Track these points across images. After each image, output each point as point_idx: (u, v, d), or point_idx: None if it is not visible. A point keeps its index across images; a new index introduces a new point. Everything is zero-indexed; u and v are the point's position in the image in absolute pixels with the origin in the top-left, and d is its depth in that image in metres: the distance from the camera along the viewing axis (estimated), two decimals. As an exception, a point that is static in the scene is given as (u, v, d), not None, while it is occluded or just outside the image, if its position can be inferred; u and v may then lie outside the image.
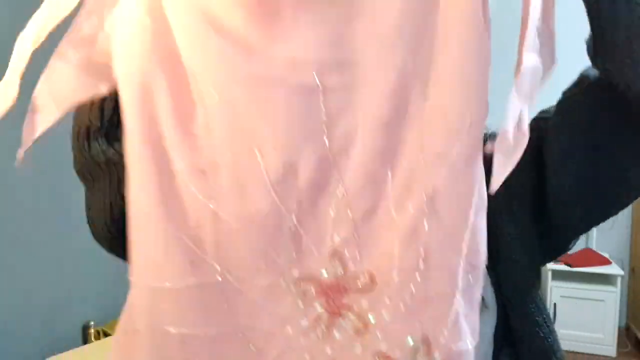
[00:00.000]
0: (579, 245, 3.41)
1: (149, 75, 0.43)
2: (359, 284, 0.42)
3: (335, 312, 0.42)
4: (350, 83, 0.42)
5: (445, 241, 0.41)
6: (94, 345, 1.98)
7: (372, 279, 0.42)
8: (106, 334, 2.15)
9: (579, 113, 0.55)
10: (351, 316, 0.42)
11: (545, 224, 0.57)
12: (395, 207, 0.42)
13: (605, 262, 3.12)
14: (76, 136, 0.59)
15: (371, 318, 0.42)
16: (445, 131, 0.43)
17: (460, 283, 0.41)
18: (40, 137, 0.61)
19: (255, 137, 0.41)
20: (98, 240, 0.68)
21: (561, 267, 3.12)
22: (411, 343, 0.41)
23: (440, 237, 0.41)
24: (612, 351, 3.02)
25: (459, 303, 0.41)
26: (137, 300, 0.46)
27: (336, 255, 0.42)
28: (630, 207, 3.38)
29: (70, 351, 1.89)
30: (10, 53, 0.56)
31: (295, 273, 0.43)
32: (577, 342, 3.07)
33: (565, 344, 2.95)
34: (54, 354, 1.86)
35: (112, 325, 2.22)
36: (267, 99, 0.42)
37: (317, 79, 0.41)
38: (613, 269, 3.05)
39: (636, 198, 0.56)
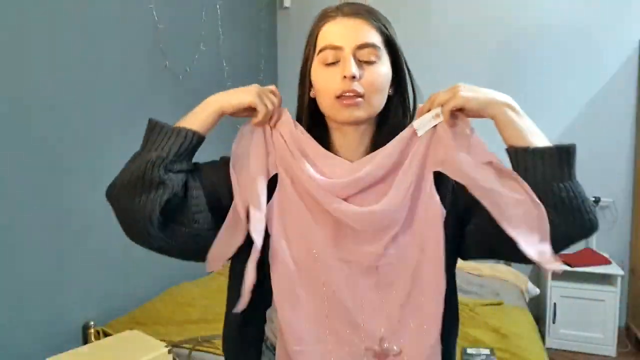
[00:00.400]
0: (579, 245, 3.41)
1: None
2: (394, 353, 0.81)
3: None
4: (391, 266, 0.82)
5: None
6: (94, 345, 1.98)
7: (401, 351, 0.81)
8: (106, 334, 2.15)
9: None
10: None
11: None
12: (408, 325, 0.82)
13: (605, 262, 3.12)
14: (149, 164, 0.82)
15: None
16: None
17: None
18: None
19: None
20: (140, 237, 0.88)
21: (561, 267, 3.12)
22: None
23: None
24: (612, 351, 3.03)
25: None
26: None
27: (383, 339, 0.81)
28: (630, 207, 3.41)
29: (70, 351, 1.89)
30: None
31: (363, 346, 0.81)
32: (577, 342, 3.07)
33: (565, 344, 2.95)
34: (54, 354, 1.86)
35: (112, 325, 2.22)
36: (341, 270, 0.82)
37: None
38: (613, 269, 3.05)
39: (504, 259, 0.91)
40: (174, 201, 0.79)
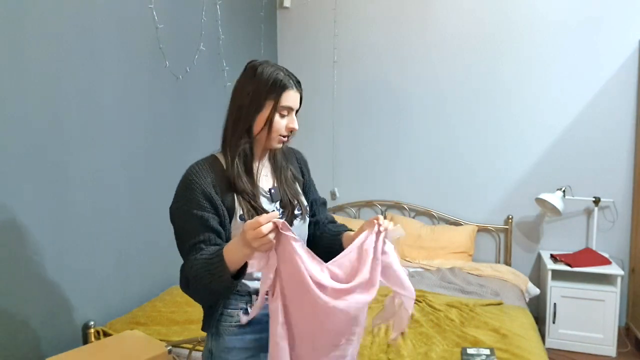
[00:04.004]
0: (579, 245, 3.43)
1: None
2: None
3: None
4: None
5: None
6: (94, 345, 1.98)
7: None
8: (106, 334, 2.15)
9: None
10: None
11: None
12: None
13: (605, 262, 3.12)
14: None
15: None
16: None
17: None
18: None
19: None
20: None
21: (561, 267, 3.13)
22: None
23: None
24: (612, 351, 3.03)
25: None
26: None
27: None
28: (630, 207, 3.41)
29: (70, 351, 1.89)
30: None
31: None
32: (577, 342, 3.07)
33: (565, 344, 2.96)
34: (54, 354, 1.86)
35: (112, 325, 2.22)
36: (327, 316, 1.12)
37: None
38: (613, 269, 3.05)
39: None
40: None
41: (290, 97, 1.25)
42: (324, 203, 1.50)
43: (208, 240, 1.17)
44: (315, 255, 1.11)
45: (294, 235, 1.07)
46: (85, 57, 2.18)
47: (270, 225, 1.02)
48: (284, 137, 1.26)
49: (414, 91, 3.72)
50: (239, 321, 1.23)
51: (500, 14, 3.50)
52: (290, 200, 1.30)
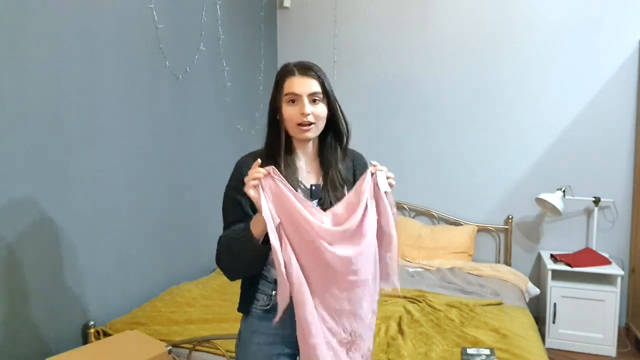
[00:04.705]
0: (579, 245, 3.43)
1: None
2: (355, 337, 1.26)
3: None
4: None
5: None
6: (94, 345, 1.98)
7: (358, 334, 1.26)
8: (106, 334, 2.15)
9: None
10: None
11: None
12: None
13: (605, 262, 3.12)
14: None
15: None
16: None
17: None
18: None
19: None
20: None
21: (561, 267, 3.13)
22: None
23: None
24: (612, 351, 3.03)
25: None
26: None
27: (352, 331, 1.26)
28: (630, 207, 3.41)
29: (70, 351, 1.89)
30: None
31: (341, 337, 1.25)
32: (577, 342, 3.07)
33: (565, 344, 2.95)
34: (54, 354, 1.86)
35: (112, 325, 2.22)
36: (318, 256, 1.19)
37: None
38: (613, 269, 3.05)
39: None
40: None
41: (293, 84, 1.28)
42: None
43: (240, 221, 1.28)
44: (305, 200, 1.21)
45: (281, 178, 1.19)
46: (85, 57, 2.18)
47: (257, 169, 1.17)
48: (300, 125, 1.27)
49: (413, 91, 3.72)
50: (265, 305, 1.32)
51: (500, 14, 3.50)
52: (331, 201, 1.31)
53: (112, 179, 2.34)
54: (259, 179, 1.16)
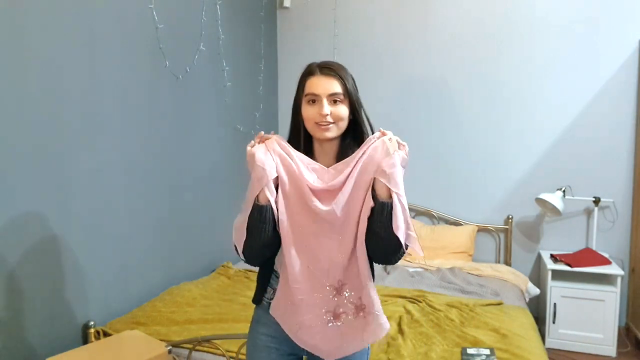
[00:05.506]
0: (579, 245, 3.42)
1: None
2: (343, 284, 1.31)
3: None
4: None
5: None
6: (94, 345, 1.98)
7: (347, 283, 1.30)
8: (106, 334, 2.15)
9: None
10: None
11: None
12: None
13: (605, 262, 3.12)
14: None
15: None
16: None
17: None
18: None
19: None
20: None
21: (561, 267, 3.13)
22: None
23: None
24: (612, 351, 3.03)
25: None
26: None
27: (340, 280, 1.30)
28: (630, 207, 3.41)
29: (70, 351, 1.89)
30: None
31: (327, 283, 1.30)
32: (577, 342, 3.07)
33: (565, 344, 2.95)
34: (54, 354, 1.86)
35: (112, 325, 2.22)
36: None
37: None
38: (613, 269, 3.05)
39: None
40: None
41: (312, 84, 1.30)
42: None
43: None
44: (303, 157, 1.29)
45: (276, 136, 1.30)
46: (85, 57, 2.18)
47: (253, 143, 1.29)
48: (319, 124, 1.29)
49: (413, 91, 3.72)
50: (271, 299, 1.36)
51: (500, 14, 3.50)
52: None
53: (112, 178, 2.34)
54: (262, 139, 1.28)
